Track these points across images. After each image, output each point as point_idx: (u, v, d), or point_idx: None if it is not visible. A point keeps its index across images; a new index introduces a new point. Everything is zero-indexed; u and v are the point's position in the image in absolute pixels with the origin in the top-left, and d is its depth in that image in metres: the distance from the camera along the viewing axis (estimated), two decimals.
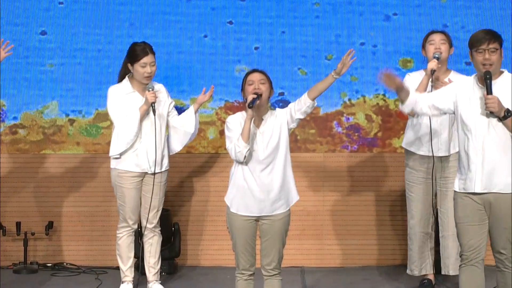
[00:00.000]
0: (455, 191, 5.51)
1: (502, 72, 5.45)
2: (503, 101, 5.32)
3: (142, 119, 6.49)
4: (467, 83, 5.49)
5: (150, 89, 6.47)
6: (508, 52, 7.61)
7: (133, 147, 6.53)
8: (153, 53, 6.56)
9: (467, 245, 5.47)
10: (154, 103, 6.44)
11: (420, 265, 6.71)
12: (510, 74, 5.47)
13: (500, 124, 5.33)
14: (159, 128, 6.55)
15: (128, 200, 6.58)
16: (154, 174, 6.54)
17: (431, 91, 6.47)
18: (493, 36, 5.40)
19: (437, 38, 6.59)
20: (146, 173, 6.59)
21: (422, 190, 6.64)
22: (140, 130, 6.51)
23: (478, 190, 5.38)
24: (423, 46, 6.69)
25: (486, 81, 5.31)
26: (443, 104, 5.51)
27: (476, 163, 5.36)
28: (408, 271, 6.81)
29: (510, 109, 5.30)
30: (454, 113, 5.51)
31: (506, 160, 5.35)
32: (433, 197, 6.65)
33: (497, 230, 5.42)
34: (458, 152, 5.53)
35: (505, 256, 5.43)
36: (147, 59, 6.49)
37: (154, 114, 6.46)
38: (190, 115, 6.67)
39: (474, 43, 5.40)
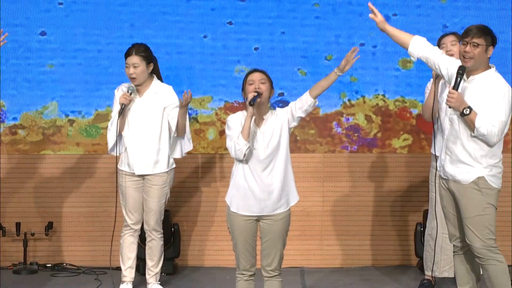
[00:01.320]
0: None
1: (489, 68, 5.45)
2: (473, 99, 5.35)
3: (128, 119, 6.50)
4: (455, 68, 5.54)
5: (129, 91, 6.49)
6: (508, 52, 7.63)
7: (124, 145, 6.54)
8: (140, 56, 6.52)
9: (450, 234, 5.63)
10: (123, 104, 6.45)
11: (446, 265, 6.64)
12: (495, 73, 5.44)
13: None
14: (131, 130, 6.53)
15: (126, 198, 6.58)
16: (116, 174, 6.53)
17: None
18: (480, 31, 5.40)
19: (447, 40, 6.53)
20: (145, 174, 6.58)
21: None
22: (129, 130, 6.53)
23: (441, 174, 5.56)
24: None
25: (457, 75, 5.35)
26: (444, 67, 5.53)
27: (442, 148, 5.53)
28: (427, 272, 6.70)
29: (475, 108, 5.31)
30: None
31: (466, 153, 5.40)
32: None
33: (462, 223, 5.48)
34: None
35: (474, 248, 5.43)
36: (129, 60, 6.52)
37: (119, 116, 6.47)
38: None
39: (462, 35, 5.47)
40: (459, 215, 5.49)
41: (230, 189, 5.56)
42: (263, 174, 5.45)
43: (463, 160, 5.40)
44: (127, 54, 6.54)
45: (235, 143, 5.40)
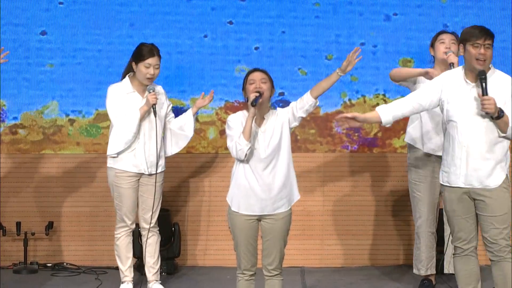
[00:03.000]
0: (441, 184, 5.60)
1: (490, 68, 5.46)
2: (496, 99, 5.34)
3: (141, 120, 6.49)
4: (455, 76, 5.51)
5: (151, 91, 6.47)
6: (508, 51, 7.63)
7: (131, 147, 6.53)
8: (159, 57, 6.54)
9: (457, 237, 5.58)
10: (155, 104, 6.44)
11: (426, 264, 6.67)
12: (498, 71, 5.49)
13: (486, 121, 5.36)
14: (159, 129, 6.55)
15: (125, 200, 6.57)
16: (156, 174, 6.53)
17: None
18: (489, 33, 5.43)
19: (447, 38, 6.54)
20: (143, 173, 6.58)
21: (429, 189, 6.60)
22: (139, 130, 6.52)
23: (461, 185, 5.46)
24: (432, 45, 6.64)
25: (481, 82, 5.33)
26: (426, 100, 5.53)
27: (461, 158, 5.43)
28: (414, 271, 6.73)
29: (502, 107, 5.33)
30: (439, 107, 5.56)
31: (492, 157, 5.39)
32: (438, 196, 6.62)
33: (486, 222, 5.44)
34: (443, 144, 5.61)
35: (498, 245, 5.42)
36: (152, 60, 6.49)
37: (155, 116, 6.46)
38: (189, 118, 6.66)
39: (469, 37, 5.42)
40: (471, 218, 5.47)
41: (231, 188, 5.55)
42: (264, 173, 5.45)
43: (492, 163, 5.39)
44: (150, 55, 6.47)
45: (236, 143, 5.40)
